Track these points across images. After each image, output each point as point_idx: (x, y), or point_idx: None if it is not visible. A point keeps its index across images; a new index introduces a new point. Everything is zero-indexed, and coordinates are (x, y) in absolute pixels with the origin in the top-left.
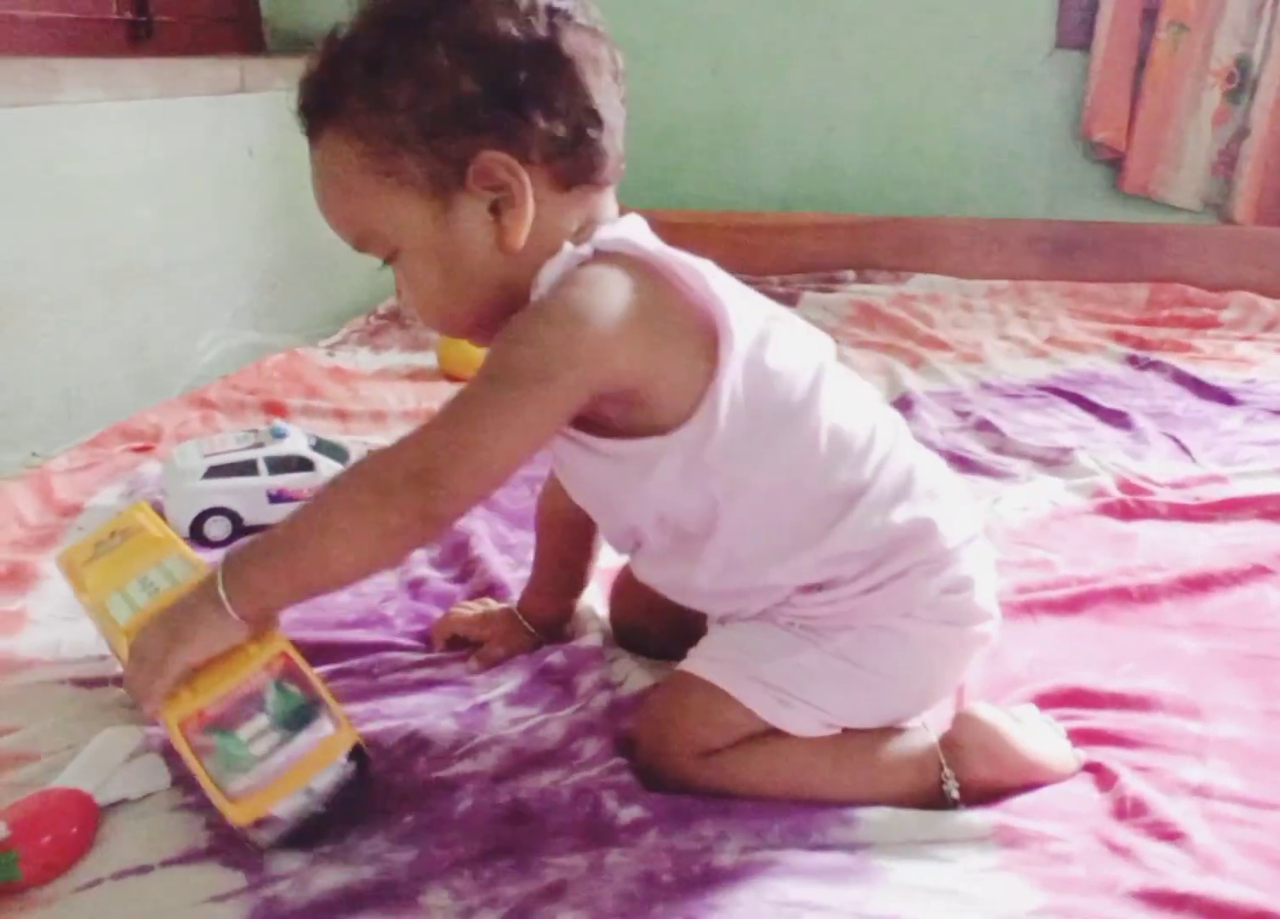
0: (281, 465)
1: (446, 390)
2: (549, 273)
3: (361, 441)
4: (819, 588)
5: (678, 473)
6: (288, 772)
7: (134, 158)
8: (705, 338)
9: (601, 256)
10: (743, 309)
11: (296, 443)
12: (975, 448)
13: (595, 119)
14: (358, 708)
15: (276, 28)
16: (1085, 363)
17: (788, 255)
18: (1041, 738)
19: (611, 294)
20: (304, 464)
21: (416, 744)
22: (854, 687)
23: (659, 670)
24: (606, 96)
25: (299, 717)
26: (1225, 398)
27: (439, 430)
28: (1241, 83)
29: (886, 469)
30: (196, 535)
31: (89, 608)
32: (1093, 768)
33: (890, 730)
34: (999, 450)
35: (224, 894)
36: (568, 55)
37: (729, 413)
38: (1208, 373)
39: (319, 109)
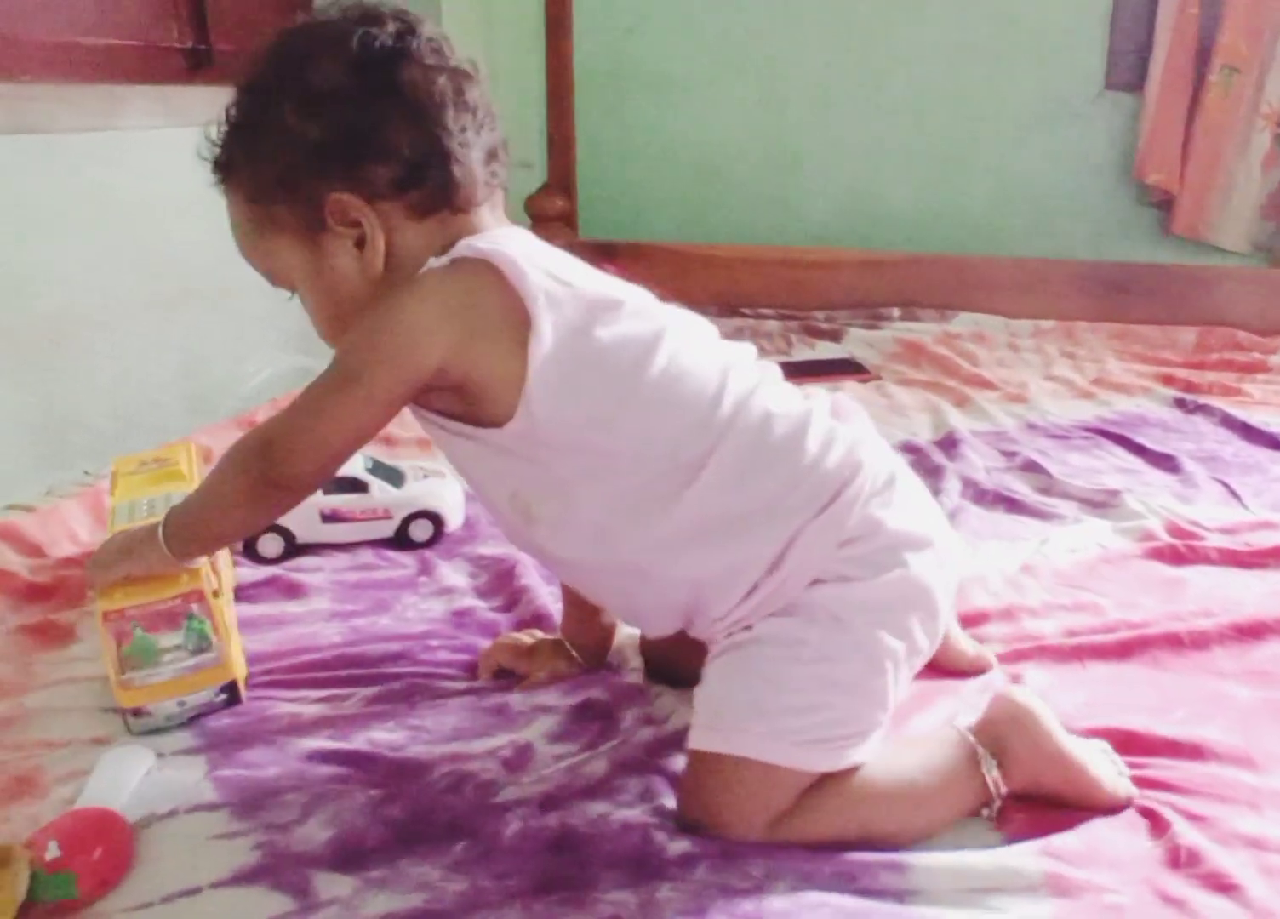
0: (335, 486)
1: None
2: None
3: (415, 466)
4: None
5: (522, 458)
6: (172, 681)
7: (191, 182)
8: (524, 332)
9: (457, 264)
10: (571, 299)
11: (352, 464)
12: (1022, 488)
13: (438, 151)
14: (398, 734)
15: None
16: (1132, 405)
17: (833, 291)
18: (1091, 752)
19: (426, 295)
20: (357, 485)
21: (462, 774)
22: (834, 678)
23: None
24: (452, 126)
25: (200, 644)
26: (1275, 443)
27: (283, 414)
28: None
29: (735, 429)
30: (250, 552)
31: (109, 509)
32: (1146, 814)
33: (931, 744)
34: (1046, 492)
35: (273, 918)
36: (402, 95)
37: (548, 402)
38: (1257, 417)
39: (216, 168)
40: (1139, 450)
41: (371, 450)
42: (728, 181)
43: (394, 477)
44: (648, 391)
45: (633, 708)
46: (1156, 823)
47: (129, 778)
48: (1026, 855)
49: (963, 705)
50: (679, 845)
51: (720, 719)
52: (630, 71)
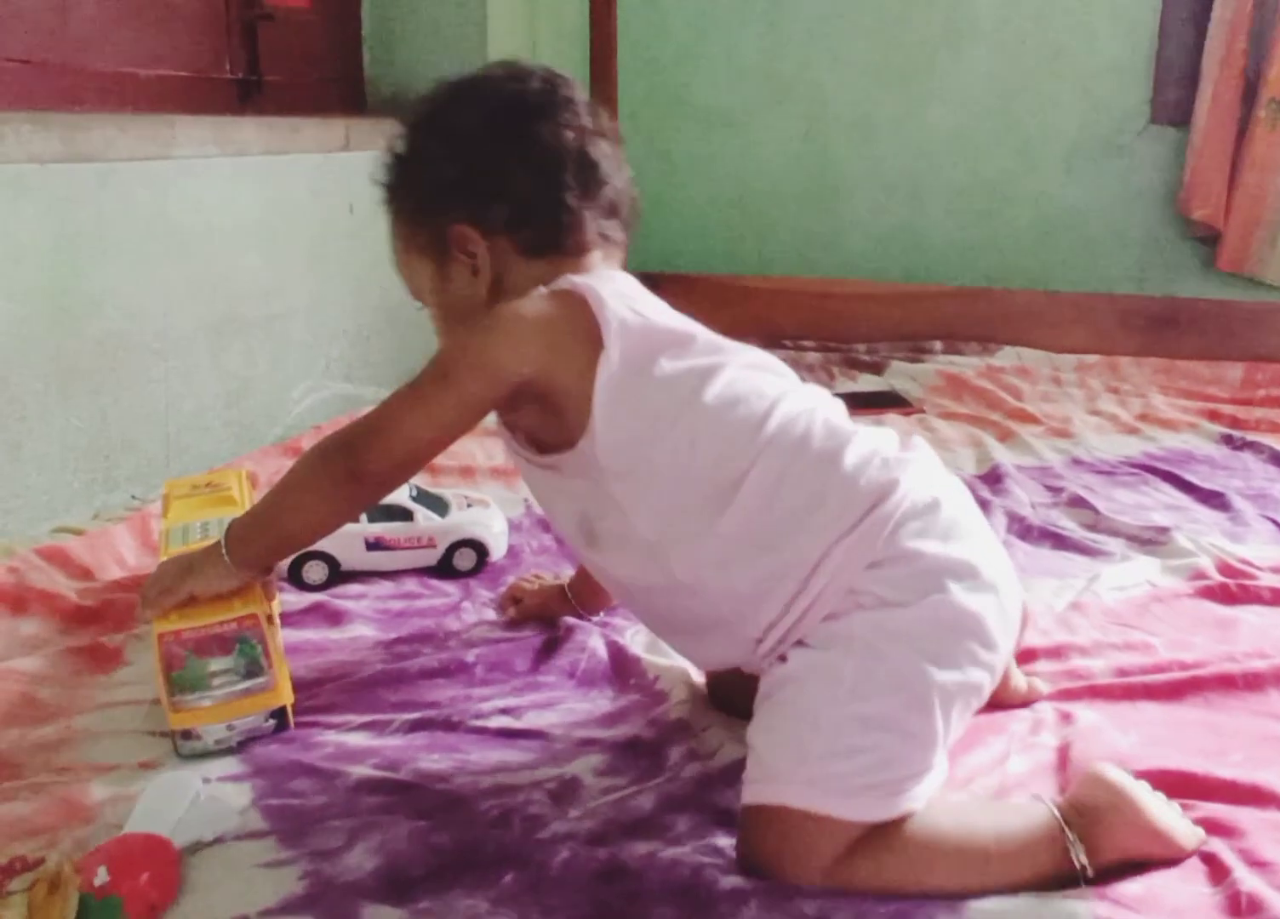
0: (381, 514)
1: None
2: None
3: (459, 494)
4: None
5: (588, 479)
6: (222, 705)
7: (242, 211)
8: (598, 354)
9: (547, 292)
10: (643, 329)
11: (396, 492)
12: (1069, 524)
13: (550, 198)
14: (443, 764)
15: (377, 88)
16: (1178, 441)
17: (875, 324)
18: (1163, 807)
19: (523, 310)
20: (403, 513)
21: (509, 807)
22: (874, 717)
23: None
24: (568, 178)
25: (251, 668)
26: None
27: (370, 415)
28: None
29: (773, 447)
30: (295, 578)
31: (161, 532)
32: (1205, 860)
33: (1009, 812)
34: (1093, 528)
35: None
36: (526, 144)
37: (608, 421)
38: None
39: (383, 190)
40: (1187, 487)
41: (416, 478)
42: (770, 213)
43: (438, 505)
44: (696, 415)
45: (679, 744)
46: (1216, 868)
47: (176, 804)
48: (1085, 900)
49: (1014, 745)
50: (730, 880)
51: (764, 770)
52: (673, 103)
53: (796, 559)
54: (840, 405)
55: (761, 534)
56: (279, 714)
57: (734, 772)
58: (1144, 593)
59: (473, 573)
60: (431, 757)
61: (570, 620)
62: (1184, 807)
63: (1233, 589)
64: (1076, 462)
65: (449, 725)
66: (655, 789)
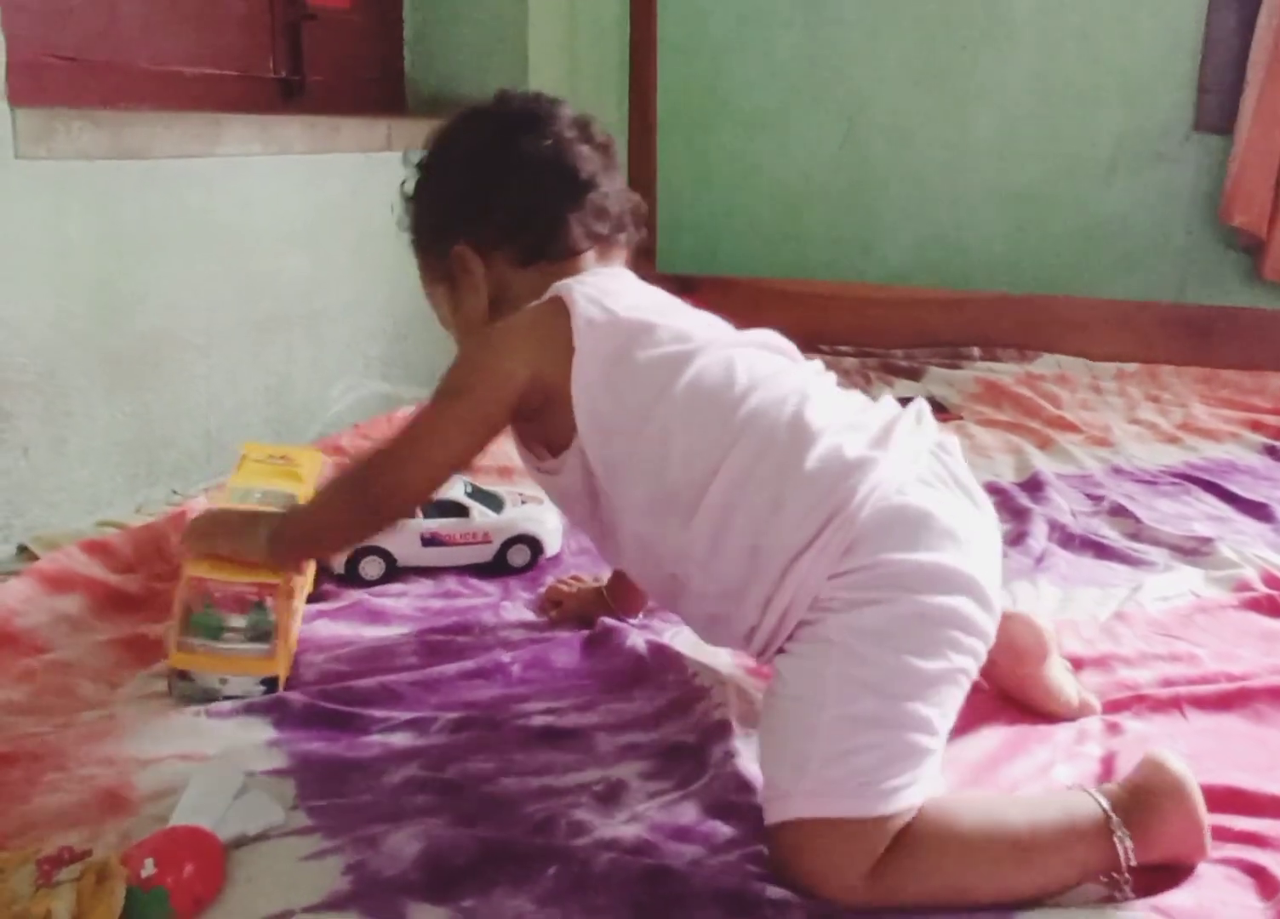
0: (436, 509)
1: None
2: None
3: (514, 491)
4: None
5: (586, 476)
6: (223, 657)
7: (286, 209)
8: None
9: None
10: (604, 325)
11: (452, 489)
12: (1110, 533)
13: (539, 207)
14: (487, 764)
15: (418, 88)
16: (1220, 451)
17: (912, 329)
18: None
19: (512, 322)
20: (458, 509)
21: (555, 810)
22: (862, 716)
23: None
24: (556, 188)
25: (260, 633)
26: None
27: (386, 447)
28: None
29: (740, 442)
30: (351, 574)
31: (227, 485)
32: (1253, 873)
33: (1046, 802)
34: (1135, 537)
35: None
36: (513, 162)
37: (589, 418)
38: None
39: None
40: (1230, 498)
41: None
42: (808, 217)
43: (493, 502)
44: (667, 409)
45: (721, 743)
46: (1266, 883)
47: (221, 798)
48: (1136, 913)
49: (1058, 754)
50: (776, 890)
51: (773, 789)
52: (711, 105)
53: (766, 563)
54: (827, 386)
55: (732, 534)
56: (270, 682)
57: None
58: (1188, 603)
59: (526, 569)
60: (476, 758)
61: (609, 621)
62: (1236, 821)
63: (1279, 600)
64: (1117, 470)
65: (492, 725)
66: (700, 793)
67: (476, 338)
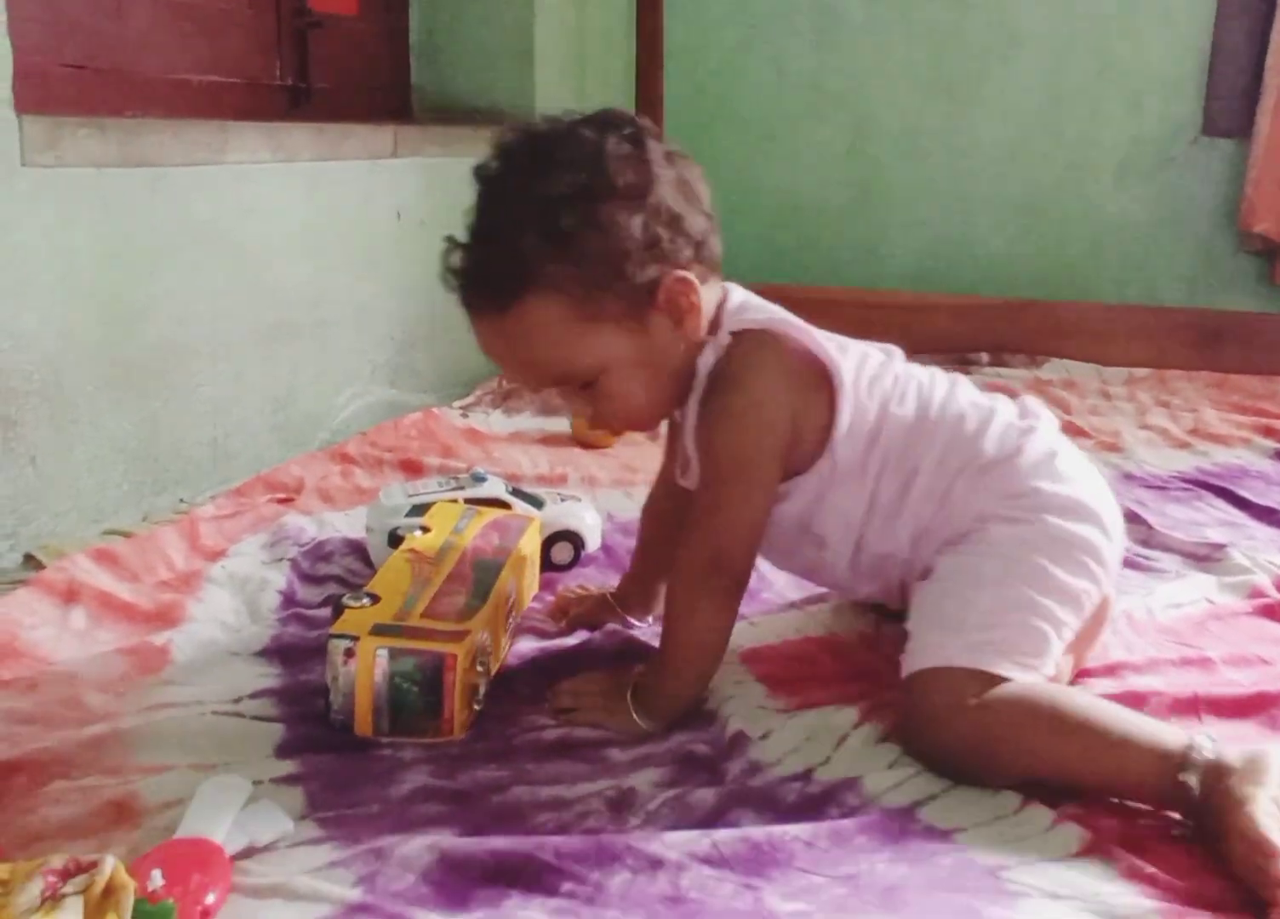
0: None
1: (579, 456)
2: (705, 360)
3: (552, 492)
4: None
5: (812, 495)
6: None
7: (293, 216)
8: (822, 381)
9: (739, 336)
10: (839, 352)
11: (495, 487)
12: None
13: (708, 222)
14: (500, 774)
15: (424, 97)
16: (1232, 456)
17: (921, 335)
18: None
19: (764, 374)
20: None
21: (567, 819)
22: (1007, 599)
23: (817, 740)
24: (709, 207)
25: (427, 700)
26: None
27: (707, 531)
28: None
29: (941, 429)
30: None
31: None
32: None
33: (1147, 721)
34: (1146, 543)
35: None
36: (683, 182)
37: (846, 440)
38: None
39: (513, 282)
40: (1241, 504)
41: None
42: (815, 223)
43: (534, 500)
44: (894, 422)
45: (738, 758)
46: None
47: (228, 808)
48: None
49: None
50: (791, 905)
51: (923, 642)
52: (720, 114)
53: (948, 514)
54: (963, 378)
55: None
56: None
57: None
58: (1201, 610)
59: (570, 566)
60: (488, 767)
61: (618, 628)
62: None
63: None
64: (1127, 476)
65: (503, 734)
66: (715, 796)
67: (726, 399)
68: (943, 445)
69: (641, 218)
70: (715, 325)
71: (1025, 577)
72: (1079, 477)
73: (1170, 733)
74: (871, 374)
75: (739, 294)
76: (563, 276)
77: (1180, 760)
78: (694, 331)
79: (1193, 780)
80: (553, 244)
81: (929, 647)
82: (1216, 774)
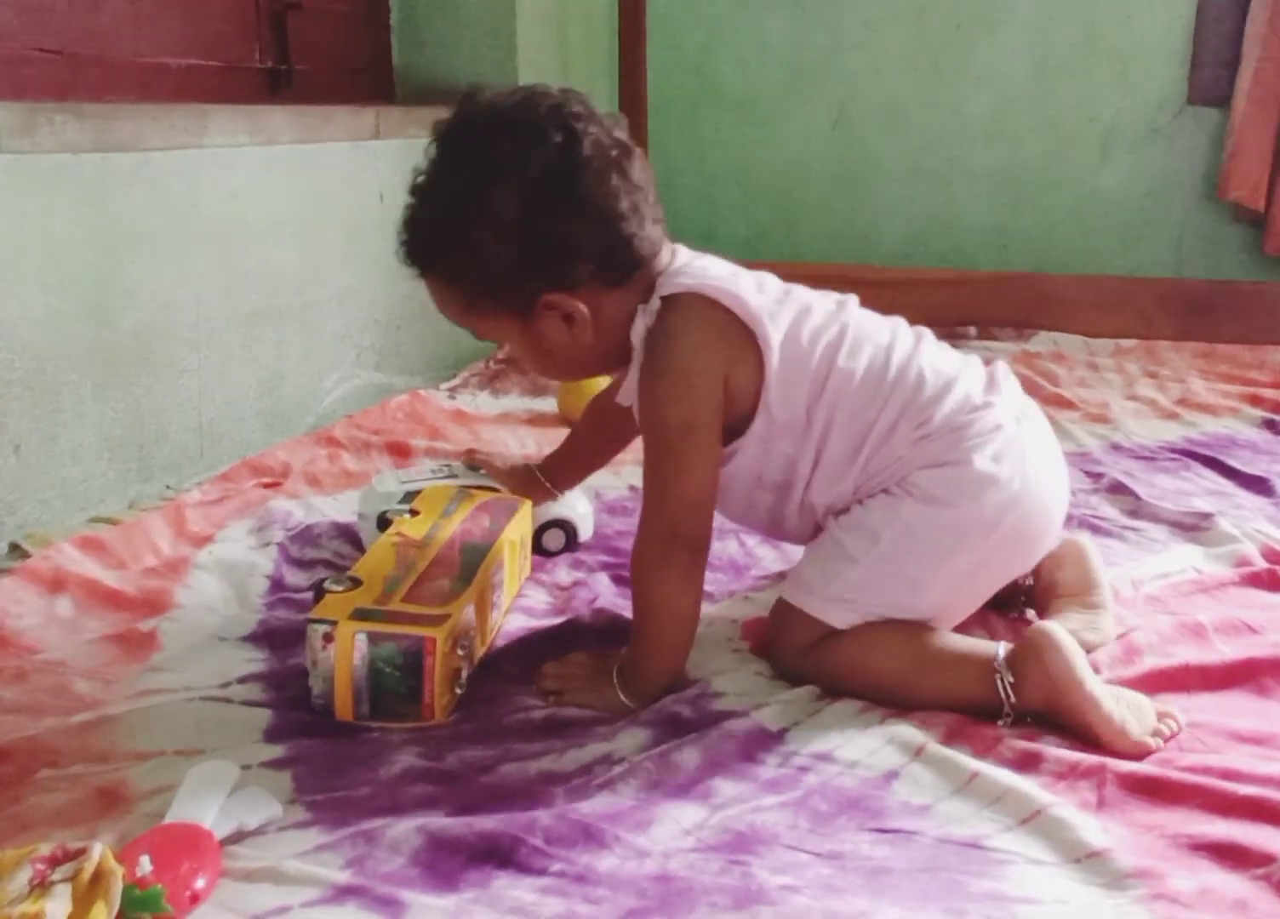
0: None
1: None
2: (637, 328)
3: None
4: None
5: (758, 449)
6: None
7: (274, 200)
8: (751, 339)
9: (668, 302)
10: (769, 308)
11: (487, 478)
12: (1109, 512)
13: (618, 235)
14: (486, 752)
15: (406, 78)
16: (1219, 426)
17: (908, 310)
18: (1112, 696)
19: (689, 339)
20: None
21: (553, 791)
22: (899, 568)
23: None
24: (627, 211)
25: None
26: None
27: (659, 506)
28: None
29: (897, 391)
30: None
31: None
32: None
33: (962, 640)
34: (1134, 514)
35: None
36: (581, 202)
37: (780, 394)
38: None
39: (416, 262)
40: (1229, 473)
41: None
42: (802, 200)
43: None
44: (840, 376)
45: (716, 727)
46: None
47: (217, 793)
48: (1143, 903)
49: None
50: (778, 879)
51: (802, 582)
52: (702, 91)
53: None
54: (928, 333)
55: (867, 462)
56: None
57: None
58: (1188, 580)
59: (561, 553)
60: (475, 748)
61: (604, 608)
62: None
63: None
64: (1115, 447)
65: (491, 714)
66: (698, 746)
67: (657, 368)
68: (896, 410)
69: (517, 245)
70: (649, 291)
71: (918, 554)
72: (1019, 456)
73: (980, 646)
74: (816, 325)
75: (683, 257)
76: (450, 275)
77: (991, 659)
78: (584, 335)
79: (1006, 676)
80: (440, 250)
81: (800, 584)
82: (1017, 661)
